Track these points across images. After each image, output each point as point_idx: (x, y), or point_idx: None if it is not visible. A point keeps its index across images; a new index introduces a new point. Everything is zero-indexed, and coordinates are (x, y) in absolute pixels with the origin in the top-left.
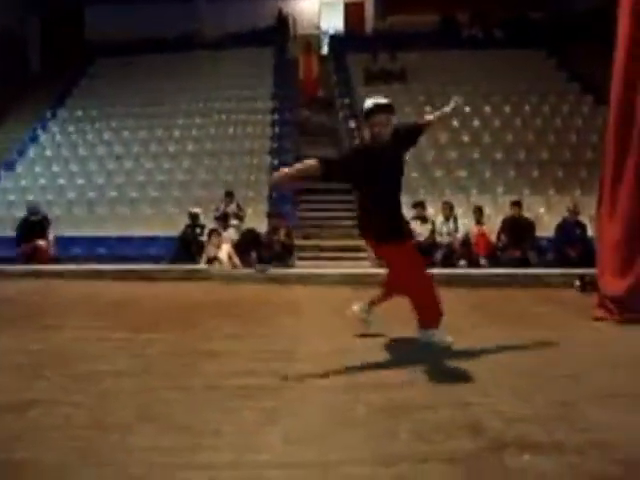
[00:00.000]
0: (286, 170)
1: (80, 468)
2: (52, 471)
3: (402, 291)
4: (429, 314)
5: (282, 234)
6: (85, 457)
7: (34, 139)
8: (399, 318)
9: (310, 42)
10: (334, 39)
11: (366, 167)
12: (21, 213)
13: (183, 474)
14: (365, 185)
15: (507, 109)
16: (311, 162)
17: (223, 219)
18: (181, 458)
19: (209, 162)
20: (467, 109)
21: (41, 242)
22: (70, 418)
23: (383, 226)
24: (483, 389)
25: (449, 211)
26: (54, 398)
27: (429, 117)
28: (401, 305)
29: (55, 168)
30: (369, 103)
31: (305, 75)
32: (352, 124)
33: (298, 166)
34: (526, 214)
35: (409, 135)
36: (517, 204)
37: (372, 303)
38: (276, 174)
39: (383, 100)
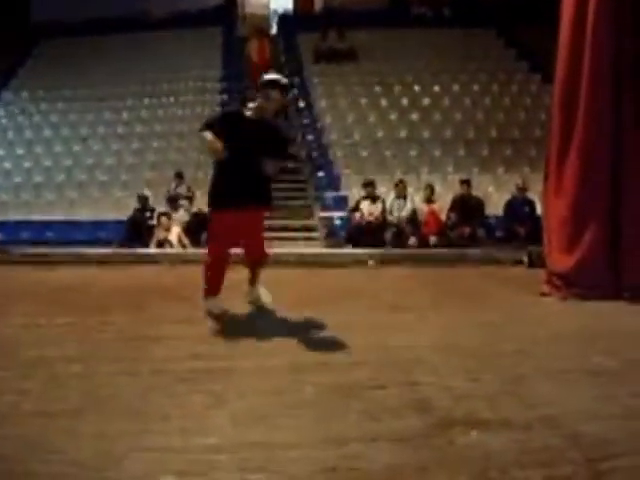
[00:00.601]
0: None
1: (28, 457)
2: None
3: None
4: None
5: None
6: (33, 445)
7: None
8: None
9: (263, 26)
10: (283, 18)
11: (227, 131)
12: None
13: (132, 459)
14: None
15: (456, 88)
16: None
17: (173, 201)
18: (130, 443)
19: (158, 144)
20: (416, 88)
21: None
22: (17, 406)
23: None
24: (431, 368)
25: (402, 189)
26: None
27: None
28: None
29: (0, 151)
30: (268, 76)
31: (258, 58)
32: (301, 103)
33: (206, 135)
34: (475, 192)
35: (275, 144)
36: (466, 182)
37: (252, 283)
38: (212, 144)
39: (283, 80)
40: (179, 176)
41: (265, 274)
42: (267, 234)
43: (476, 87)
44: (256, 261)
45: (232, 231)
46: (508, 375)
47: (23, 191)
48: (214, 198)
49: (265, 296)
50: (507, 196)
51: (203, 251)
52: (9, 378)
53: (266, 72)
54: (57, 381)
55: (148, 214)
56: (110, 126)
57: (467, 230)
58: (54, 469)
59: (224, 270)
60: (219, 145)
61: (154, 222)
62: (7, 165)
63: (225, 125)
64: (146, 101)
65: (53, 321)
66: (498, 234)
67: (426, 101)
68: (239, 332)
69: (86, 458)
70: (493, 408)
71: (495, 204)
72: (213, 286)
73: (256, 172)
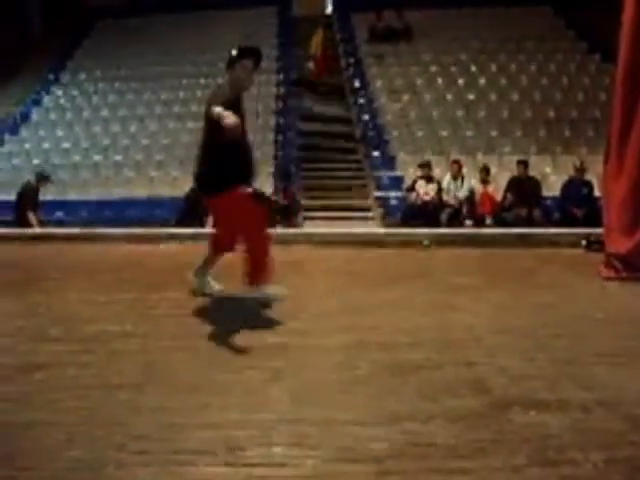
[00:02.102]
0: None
1: (89, 429)
2: (60, 432)
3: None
4: (264, 269)
5: (283, 195)
6: (93, 418)
7: (37, 103)
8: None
9: (326, 19)
10: None
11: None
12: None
13: (192, 433)
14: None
15: (513, 67)
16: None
17: None
18: (190, 418)
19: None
20: (473, 68)
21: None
22: (78, 379)
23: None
24: (488, 349)
25: (458, 170)
26: (61, 360)
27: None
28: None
29: (59, 132)
30: (233, 51)
31: (321, 51)
32: (357, 83)
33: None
34: (532, 173)
35: None
36: (523, 163)
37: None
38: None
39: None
40: None
41: (322, 254)
42: (324, 214)
43: (533, 67)
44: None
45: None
46: (564, 356)
47: (82, 170)
48: (231, 180)
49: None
50: (564, 177)
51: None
52: (70, 352)
53: (330, 65)
54: (116, 356)
55: None
56: (166, 105)
57: (523, 211)
58: (117, 440)
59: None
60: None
61: None
62: (66, 145)
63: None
64: (202, 81)
65: (111, 297)
66: (555, 216)
67: (482, 81)
68: (296, 310)
69: (148, 431)
70: (550, 389)
71: (552, 185)
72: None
73: (249, 153)
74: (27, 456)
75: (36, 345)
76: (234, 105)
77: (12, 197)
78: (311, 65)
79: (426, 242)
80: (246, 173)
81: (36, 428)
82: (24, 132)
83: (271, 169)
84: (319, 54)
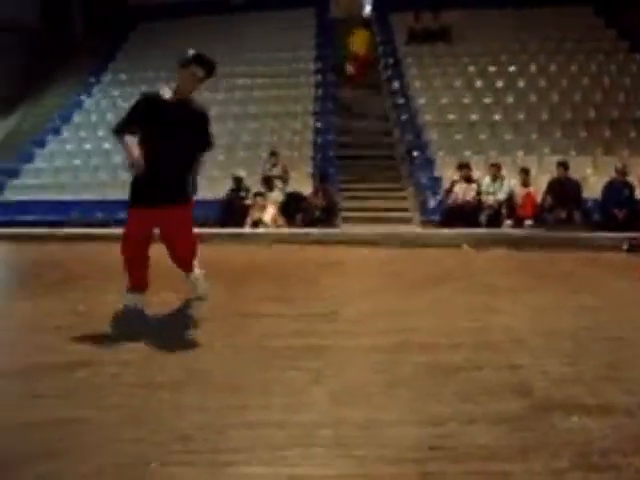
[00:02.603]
0: (134, 154)
1: (130, 427)
2: (102, 429)
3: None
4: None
5: (321, 196)
6: (135, 416)
7: (79, 104)
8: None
9: (365, 18)
10: None
11: (144, 119)
12: (67, 179)
13: (233, 433)
14: (145, 139)
15: (553, 68)
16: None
17: (268, 181)
18: (231, 417)
19: (253, 124)
20: (512, 69)
21: None
22: (119, 377)
23: (173, 186)
24: (529, 351)
25: (496, 172)
26: (102, 358)
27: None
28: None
29: (100, 132)
30: (189, 53)
31: (361, 50)
32: (395, 84)
33: (128, 147)
34: (573, 175)
35: (201, 130)
36: (563, 165)
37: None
38: (136, 160)
39: (203, 54)
40: (273, 154)
41: (360, 254)
42: (362, 214)
43: (574, 67)
44: (181, 261)
45: (145, 229)
46: (606, 360)
47: (122, 171)
48: (130, 193)
49: (202, 286)
50: (605, 179)
51: (291, 231)
52: (110, 351)
53: (368, 64)
54: (157, 355)
55: (243, 194)
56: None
57: (563, 213)
58: (160, 438)
59: (144, 266)
60: (138, 156)
61: (249, 202)
62: (107, 146)
63: (142, 113)
64: (240, 82)
65: (151, 297)
66: (595, 218)
67: (522, 82)
68: (336, 311)
69: (190, 430)
70: (592, 393)
71: (593, 187)
72: (136, 281)
73: (175, 165)
74: (72, 452)
75: (77, 343)
76: (169, 109)
77: (55, 197)
78: (350, 67)
79: (465, 246)
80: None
81: (81, 425)
82: (66, 133)
83: (310, 170)
84: (363, 54)
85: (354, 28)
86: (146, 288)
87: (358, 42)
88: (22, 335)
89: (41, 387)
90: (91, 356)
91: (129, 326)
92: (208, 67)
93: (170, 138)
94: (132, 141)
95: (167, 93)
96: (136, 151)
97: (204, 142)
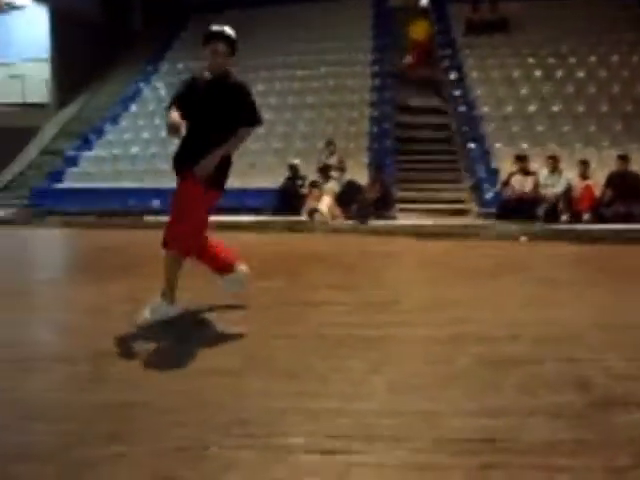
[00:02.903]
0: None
1: (190, 411)
2: (163, 412)
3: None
4: None
5: (377, 187)
6: (197, 400)
7: (137, 93)
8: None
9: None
10: None
11: (187, 97)
12: (125, 166)
13: (291, 420)
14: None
15: (615, 59)
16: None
17: (324, 171)
18: (290, 404)
19: (309, 114)
20: (572, 60)
21: None
22: (180, 362)
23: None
24: (589, 345)
25: (555, 165)
26: (164, 344)
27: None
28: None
29: (158, 121)
30: (213, 28)
31: (421, 37)
32: (453, 75)
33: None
34: (633, 168)
35: (238, 105)
36: (624, 158)
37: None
38: (172, 121)
39: (223, 28)
40: (330, 144)
41: (417, 245)
42: (418, 206)
43: (635, 58)
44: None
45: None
46: None
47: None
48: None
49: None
50: None
51: (347, 221)
52: (172, 337)
53: (428, 52)
54: (218, 341)
55: (299, 182)
56: (262, 97)
57: (622, 207)
58: (221, 422)
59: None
60: (177, 122)
61: (305, 191)
62: (164, 134)
63: (180, 93)
64: (298, 72)
65: (210, 284)
66: None
67: (581, 73)
68: (393, 302)
69: (249, 415)
70: None
71: None
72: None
73: (209, 141)
74: (135, 434)
75: (140, 329)
76: (204, 87)
77: (115, 185)
78: (408, 56)
79: (523, 238)
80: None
81: (144, 408)
82: (124, 122)
83: (366, 160)
84: (422, 41)
85: (414, 18)
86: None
87: (418, 31)
88: (87, 320)
89: (106, 371)
90: (154, 342)
91: (189, 315)
92: (227, 40)
93: (203, 114)
94: (175, 114)
95: (206, 72)
96: (174, 116)
97: (246, 116)
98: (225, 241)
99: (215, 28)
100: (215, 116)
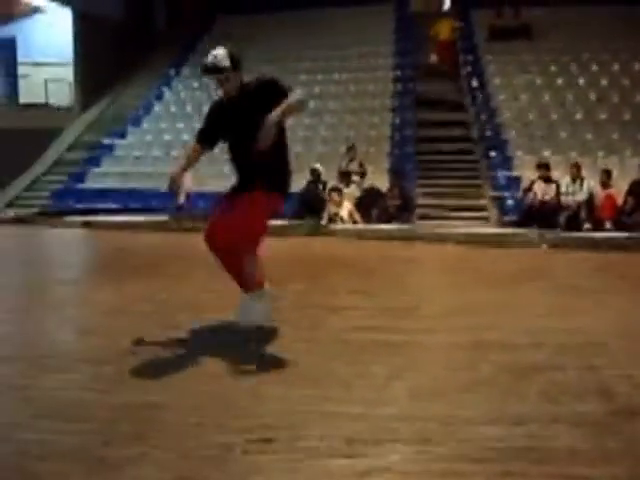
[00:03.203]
0: (176, 168)
1: (213, 413)
2: (185, 414)
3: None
4: None
5: (397, 193)
6: (219, 403)
7: (159, 96)
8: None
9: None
10: None
11: (218, 122)
12: (146, 168)
13: (313, 424)
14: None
15: (637, 67)
16: (190, 144)
17: (345, 176)
18: (312, 408)
19: (330, 119)
20: (594, 67)
21: None
22: (201, 365)
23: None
24: (611, 354)
25: (577, 173)
26: (184, 346)
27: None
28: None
29: (179, 124)
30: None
31: (445, 37)
32: (474, 82)
33: (182, 156)
34: None
35: (267, 96)
36: None
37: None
38: (171, 176)
39: (210, 61)
40: (350, 149)
41: (438, 251)
42: (439, 212)
43: None
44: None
45: None
46: None
47: (199, 164)
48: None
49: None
50: None
51: (368, 227)
52: (193, 339)
53: (454, 49)
54: (241, 345)
55: (320, 187)
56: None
57: None
58: (243, 425)
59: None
60: (178, 177)
61: (326, 196)
62: (186, 137)
63: (214, 122)
64: (319, 77)
65: (230, 286)
66: None
67: (604, 81)
68: (415, 308)
69: (272, 419)
70: None
71: None
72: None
73: (250, 157)
74: (158, 435)
75: (162, 330)
76: (229, 106)
77: (133, 186)
78: (433, 55)
79: (544, 246)
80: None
81: (166, 409)
82: (146, 124)
83: (387, 165)
84: (447, 38)
85: (439, 17)
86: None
87: (443, 30)
88: (109, 320)
89: (128, 371)
90: (175, 343)
91: (210, 315)
92: (220, 70)
93: (243, 130)
94: (191, 157)
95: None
96: (176, 173)
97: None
98: None
99: (205, 63)
100: (255, 125)
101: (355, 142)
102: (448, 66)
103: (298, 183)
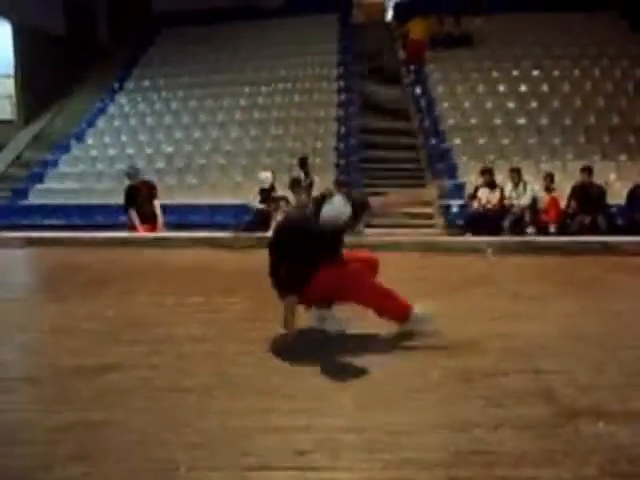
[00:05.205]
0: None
1: (160, 430)
2: (129, 432)
3: None
4: None
5: None
6: (162, 419)
7: (103, 109)
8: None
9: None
10: (399, 5)
11: None
12: (91, 183)
13: (259, 437)
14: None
15: (577, 73)
16: None
17: (296, 183)
18: (257, 421)
19: (276, 130)
20: (536, 73)
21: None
22: (148, 381)
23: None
24: (554, 357)
25: (517, 177)
26: (131, 362)
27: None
28: None
29: (124, 138)
30: None
31: (417, 36)
32: (417, 90)
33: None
34: (597, 180)
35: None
36: (587, 170)
37: None
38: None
39: None
40: (303, 163)
41: (385, 259)
42: (385, 220)
43: (597, 72)
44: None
45: None
46: (634, 367)
47: (145, 176)
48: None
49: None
50: (629, 184)
51: None
52: (140, 354)
53: (424, 48)
54: (185, 359)
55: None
56: (229, 113)
57: (587, 219)
58: (187, 441)
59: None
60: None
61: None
62: (130, 151)
63: None
64: (263, 88)
65: (180, 301)
66: (619, 223)
67: (545, 87)
68: (358, 317)
69: (217, 434)
70: (619, 400)
71: (617, 193)
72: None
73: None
74: (102, 454)
75: (107, 347)
76: None
77: (78, 201)
78: (402, 52)
79: (489, 251)
80: None
81: (109, 427)
82: (90, 139)
83: (332, 176)
84: (419, 38)
85: (413, 18)
86: None
87: (416, 29)
88: (52, 338)
89: (71, 390)
90: (120, 360)
91: (158, 330)
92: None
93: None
94: None
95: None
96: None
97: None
98: (188, 258)
99: None
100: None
101: (301, 153)
102: (415, 65)
103: (244, 195)
